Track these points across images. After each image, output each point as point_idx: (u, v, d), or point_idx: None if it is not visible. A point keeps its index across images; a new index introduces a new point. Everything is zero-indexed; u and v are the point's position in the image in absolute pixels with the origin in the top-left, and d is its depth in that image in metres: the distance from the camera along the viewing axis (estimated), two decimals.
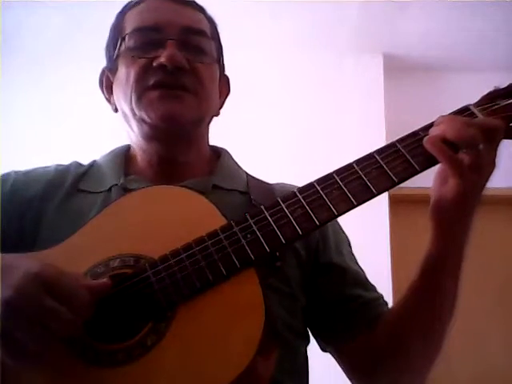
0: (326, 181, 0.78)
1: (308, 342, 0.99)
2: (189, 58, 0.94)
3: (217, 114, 1.05)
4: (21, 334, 0.66)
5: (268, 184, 1.03)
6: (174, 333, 0.72)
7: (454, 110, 0.82)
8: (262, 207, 0.79)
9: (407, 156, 0.78)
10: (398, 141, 0.80)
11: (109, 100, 1.03)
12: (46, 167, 1.01)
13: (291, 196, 0.79)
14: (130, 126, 0.98)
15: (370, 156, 0.79)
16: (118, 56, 0.98)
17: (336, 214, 0.76)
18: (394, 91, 2.98)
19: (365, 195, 0.77)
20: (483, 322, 2.77)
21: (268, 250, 0.76)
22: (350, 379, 0.98)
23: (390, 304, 0.99)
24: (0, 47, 2.88)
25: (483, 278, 2.73)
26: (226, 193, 0.97)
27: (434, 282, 0.85)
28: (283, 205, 0.78)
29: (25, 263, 0.71)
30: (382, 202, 2.60)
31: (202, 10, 1.03)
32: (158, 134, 0.95)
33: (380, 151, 0.79)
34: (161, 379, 0.70)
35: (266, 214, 0.78)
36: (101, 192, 0.95)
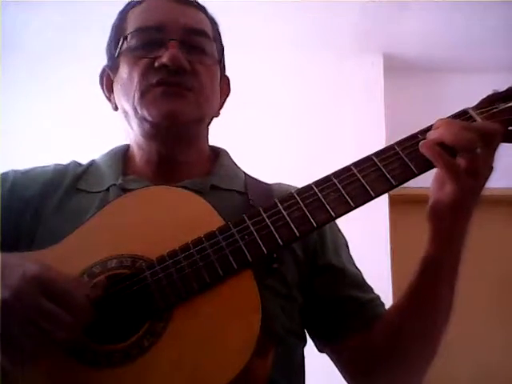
0: (324, 183, 0.79)
1: (305, 342, 0.99)
2: (190, 58, 0.94)
3: (217, 115, 1.06)
4: (18, 336, 0.67)
5: (266, 184, 1.03)
6: (171, 333, 0.72)
7: (453, 112, 0.83)
8: (260, 209, 0.79)
9: (405, 159, 0.78)
10: (396, 143, 0.80)
11: (109, 98, 1.04)
12: (44, 167, 1.02)
13: (289, 198, 0.79)
14: (130, 124, 0.99)
15: (368, 158, 0.79)
16: (119, 55, 0.98)
17: (334, 216, 0.77)
18: (394, 91, 2.98)
19: (363, 198, 0.77)
20: (482, 323, 2.77)
21: (265, 251, 0.76)
22: (346, 380, 0.98)
23: (390, 304, 0.99)
24: (0, 47, 2.88)
25: (482, 277, 2.73)
26: (224, 193, 0.98)
27: (430, 283, 0.86)
28: (281, 206, 0.78)
29: (23, 264, 0.71)
30: (382, 202, 2.60)
31: (203, 10, 1.04)
32: (158, 133, 0.95)
33: (378, 154, 0.79)
34: (158, 380, 0.70)
35: (264, 216, 0.78)
36: (99, 192, 0.95)
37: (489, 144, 0.77)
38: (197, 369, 0.70)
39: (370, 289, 1.00)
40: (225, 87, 1.09)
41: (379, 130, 2.84)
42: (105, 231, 0.83)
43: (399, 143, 0.80)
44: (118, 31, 1.00)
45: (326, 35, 2.94)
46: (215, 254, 0.75)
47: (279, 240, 0.76)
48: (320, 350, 1.01)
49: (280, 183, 1.04)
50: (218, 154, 1.07)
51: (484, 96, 0.84)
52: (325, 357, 1.01)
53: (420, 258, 0.86)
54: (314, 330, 0.99)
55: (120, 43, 0.98)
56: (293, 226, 0.76)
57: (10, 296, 0.66)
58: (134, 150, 1.02)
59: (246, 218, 0.78)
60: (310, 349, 1.00)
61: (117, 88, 1.00)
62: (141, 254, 0.78)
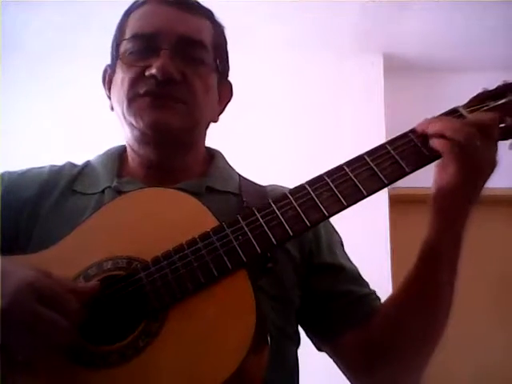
0: (317, 182, 0.79)
1: (298, 344, 0.99)
2: (183, 68, 0.94)
3: (215, 121, 1.05)
4: (14, 342, 0.68)
5: (260, 186, 1.04)
6: (166, 334, 0.72)
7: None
8: (254, 209, 0.80)
9: (397, 158, 0.79)
10: (387, 143, 0.81)
11: (109, 97, 1.04)
12: (40, 168, 1.02)
13: (282, 198, 0.79)
14: (123, 127, 0.99)
15: (360, 158, 0.80)
16: (116, 58, 0.99)
17: (327, 215, 0.77)
18: (394, 91, 2.97)
19: (355, 196, 0.78)
20: (482, 322, 2.76)
21: (259, 251, 0.76)
22: (346, 377, 0.98)
23: None
24: (0, 47, 2.89)
25: (482, 277, 2.73)
26: (219, 195, 0.98)
27: (430, 269, 0.86)
28: (274, 206, 0.79)
29: (18, 272, 0.71)
30: (381, 201, 2.60)
31: (207, 14, 1.02)
32: (148, 140, 0.96)
33: (370, 153, 0.80)
34: (153, 380, 0.71)
35: (258, 216, 0.78)
36: (94, 194, 0.96)
37: (488, 135, 0.79)
38: (192, 368, 0.70)
39: (366, 284, 1.00)
40: (226, 93, 1.07)
41: (379, 129, 2.83)
42: (100, 233, 0.84)
43: (390, 142, 0.81)
44: (119, 33, 1.01)
45: (325, 35, 2.94)
46: (209, 254, 0.76)
47: (273, 239, 0.77)
48: (319, 349, 1.01)
49: (275, 185, 1.04)
50: (212, 155, 1.07)
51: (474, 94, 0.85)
52: (324, 356, 1.01)
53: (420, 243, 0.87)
54: (312, 327, 0.99)
55: (116, 47, 0.99)
56: (286, 226, 0.77)
57: (7, 305, 0.67)
58: (129, 151, 1.02)
59: (239, 218, 0.79)
60: (311, 349, 1.01)
61: (113, 90, 1.01)
62: (136, 255, 0.79)
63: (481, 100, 0.83)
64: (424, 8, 2.75)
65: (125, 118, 0.96)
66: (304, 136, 2.88)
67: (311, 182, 0.80)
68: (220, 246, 0.77)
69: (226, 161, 1.09)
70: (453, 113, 0.82)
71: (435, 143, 0.79)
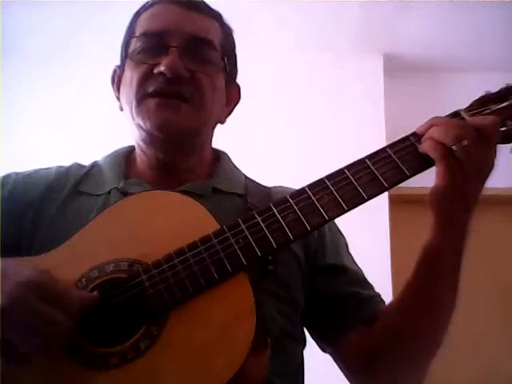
0: (318, 186, 0.80)
1: (304, 344, 0.99)
2: (190, 66, 0.94)
3: (222, 122, 1.05)
4: (15, 339, 0.68)
5: (266, 187, 1.04)
6: (167, 336, 0.73)
7: (446, 114, 0.83)
8: (254, 212, 0.80)
9: (397, 162, 0.79)
10: (388, 146, 0.81)
11: (118, 98, 1.05)
12: (47, 169, 1.03)
13: (283, 201, 0.80)
14: (131, 127, 1.00)
15: (361, 161, 0.80)
16: (126, 57, 1.00)
17: (327, 218, 0.78)
18: (394, 91, 2.98)
19: (356, 200, 0.78)
20: (484, 324, 2.75)
21: (260, 254, 0.77)
22: (348, 379, 0.99)
23: None
24: (0, 47, 2.89)
25: (484, 278, 2.73)
26: (225, 196, 0.99)
27: (431, 274, 0.85)
28: (275, 210, 0.79)
29: (18, 271, 0.72)
30: (382, 202, 2.60)
31: (216, 17, 1.03)
32: (155, 141, 0.96)
33: (371, 157, 0.80)
34: (154, 382, 0.71)
35: (259, 220, 0.79)
36: (101, 195, 0.96)
37: (488, 139, 0.78)
38: (193, 371, 0.71)
39: (370, 286, 1.01)
40: (234, 94, 1.08)
41: (379, 129, 2.84)
42: (103, 236, 0.84)
43: (391, 146, 0.81)
44: (128, 33, 1.01)
45: (326, 35, 2.94)
46: (210, 257, 0.76)
47: (273, 243, 0.77)
48: (322, 349, 1.01)
49: (280, 186, 1.04)
50: (218, 156, 1.08)
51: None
52: (328, 358, 1.01)
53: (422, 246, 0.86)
54: (316, 328, 0.99)
55: (126, 46, 1.00)
56: (287, 230, 0.77)
57: (8, 302, 0.68)
58: (137, 152, 1.03)
59: (240, 221, 0.79)
60: (311, 350, 1.01)
61: (122, 90, 1.01)
62: (138, 258, 0.79)
63: (483, 103, 0.83)
64: (424, 8, 2.75)
65: (133, 118, 0.96)
66: (304, 136, 2.89)
67: (312, 186, 0.80)
68: (221, 250, 0.77)
69: (232, 162, 1.09)
70: (454, 116, 0.82)
71: (424, 145, 0.79)
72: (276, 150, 2.83)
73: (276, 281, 0.86)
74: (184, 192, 0.91)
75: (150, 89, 0.93)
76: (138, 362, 0.71)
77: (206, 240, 0.78)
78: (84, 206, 0.94)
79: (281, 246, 0.78)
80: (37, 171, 1.02)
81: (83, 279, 0.79)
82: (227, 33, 1.04)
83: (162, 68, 0.92)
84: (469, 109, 0.83)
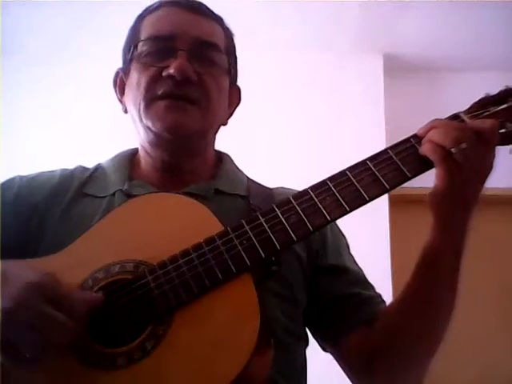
0: (320, 187, 0.81)
1: (307, 343, 1.00)
2: (198, 69, 0.96)
3: (225, 124, 1.07)
4: (21, 342, 0.68)
5: (268, 188, 1.05)
6: (173, 337, 0.74)
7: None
8: (258, 214, 0.81)
9: (399, 163, 0.80)
10: (389, 148, 0.82)
11: (120, 100, 1.06)
12: (51, 172, 1.03)
13: (286, 202, 0.81)
14: (137, 129, 1.01)
15: (362, 163, 0.81)
16: (131, 60, 1.00)
17: (329, 219, 0.79)
18: (394, 91, 2.98)
19: (357, 201, 0.79)
20: (484, 324, 2.75)
21: (263, 255, 0.78)
22: (349, 377, 1.00)
23: None
24: (0, 47, 2.89)
25: (484, 278, 2.72)
26: (227, 197, 1.00)
27: (431, 271, 0.86)
28: (278, 211, 0.80)
29: (23, 273, 0.73)
30: (382, 202, 2.61)
31: (219, 20, 1.04)
32: (162, 143, 0.97)
33: (372, 158, 0.81)
34: (160, 381, 0.72)
35: (262, 221, 0.80)
36: (105, 196, 0.97)
37: (486, 141, 0.79)
38: (197, 371, 0.72)
39: (371, 286, 1.01)
40: (235, 97, 1.09)
41: (379, 129, 2.84)
42: (108, 237, 0.85)
43: (392, 147, 0.82)
44: (133, 36, 1.02)
45: (325, 35, 2.94)
46: (215, 258, 0.77)
47: (277, 244, 0.78)
48: (323, 349, 1.02)
49: (282, 188, 1.05)
50: (221, 158, 1.09)
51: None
52: (329, 357, 1.02)
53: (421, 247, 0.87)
54: (317, 328, 1.00)
55: (132, 49, 1.00)
56: (290, 231, 0.78)
57: (14, 305, 0.68)
58: (142, 154, 1.03)
59: (244, 223, 0.80)
60: (312, 348, 1.01)
61: (127, 93, 1.02)
62: (143, 259, 0.80)
63: (482, 105, 0.84)
64: (424, 8, 2.75)
65: (141, 120, 0.97)
66: (304, 136, 2.89)
67: (314, 187, 0.81)
68: (225, 251, 0.78)
69: (234, 163, 1.10)
70: (454, 118, 0.83)
71: (424, 148, 0.80)
72: (276, 150, 2.84)
73: (279, 280, 0.87)
74: (188, 194, 0.92)
75: (160, 91, 0.94)
76: (145, 362, 0.72)
77: (210, 241, 0.79)
78: (88, 209, 0.95)
79: (284, 247, 0.78)
80: (41, 174, 1.02)
81: (89, 280, 0.79)
82: (229, 37, 1.06)
83: (171, 70, 0.93)
84: (469, 111, 0.84)
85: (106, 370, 0.73)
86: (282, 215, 0.79)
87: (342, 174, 0.81)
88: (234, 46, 1.07)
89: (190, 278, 0.76)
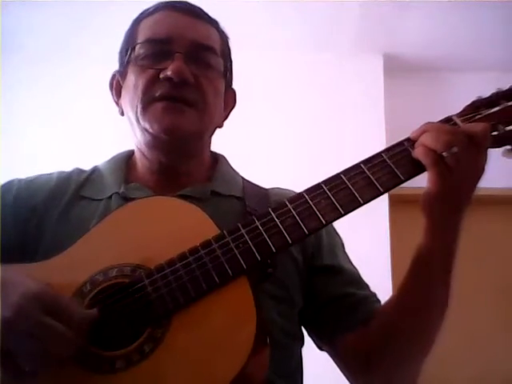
0: (315, 191, 0.81)
1: (303, 343, 1.01)
2: (195, 71, 0.97)
3: (220, 126, 1.08)
4: (20, 352, 0.69)
5: (263, 189, 1.06)
6: (171, 339, 0.75)
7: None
8: (254, 217, 0.82)
9: (392, 166, 0.81)
10: (383, 151, 0.83)
11: (117, 103, 1.06)
12: (48, 174, 1.04)
13: (282, 206, 0.81)
14: (134, 131, 1.01)
15: (356, 166, 0.82)
16: (128, 63, 1.01)
17: (324, 223, 0.80)
18: (394, 91, 2.98)
19: (352, 205, 0.80)
20: (483, 324, 2.75)
21: (259, 258, 0.79)
22: (345, 376, 1.00)
23: None
24: (0, 46, 2.90)
25: (483, 278, 2.73)
26: (223, 199, 1.00)
27: (423, 271, 0.87)
28: (274, 215, 0.81)
29: (23, 282, 0.73)
30: (382, 202, 2.61)
31: (214, 24, 1.05)
32: (160, 144, 0.98)
33: (366, 161, 0.82)
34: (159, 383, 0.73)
35: (258, 224, 0.80)
36: (102, 199, 0.98)
37: (478, 145, 0.80)
38: (195, 373, 0.73)
39: (366, 286, 1.02)
40: (230, 100, 1.10)
41: (379, 129, 2.84)
42: (106, 241, 0.86)
43: (386, 151, 0.83)
44: (130, 39, 1.03)
45: (326, 36, 2.94)
46: (211, 262, 0.78)
47: (273, 247, 0.79)
48: (319, 348, 1.03)
49: (278, 188, 1.06)
50: (216, 159, 1.10)
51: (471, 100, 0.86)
52: (326, 356, 1.02)
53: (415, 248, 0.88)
54: (313, 327, 1.01)
55: (129, 52, 1.01)
56: (285, 234, 0.79)
57: (12, 314, 0.69)
58: (138, 156, 1.04)
59: (240, 226, 0.81)
60: (308, 348, 1.02)
61: (124, 95, 1.03)
62: (141, 263, 0.81)
63: (475, 108, 0.84)
64: (423, 8, 2.75)
65: (138, 122, 0.98)
66: (304, 137, 2.89)
67: (309, 191, 0.82)
68: (221, 254, 0.79)
69: (230, 165, 1.11)
70: (447, 121, 0.84)
71: (416, 152, 0.81)
72: (276, 150, 2.84)
73: (275, 282, 0.88)
74: (184, 196, 0.94)
75: (157, 93, 0.95)
76: (143, 365, 0.73)
77: (206, 245, 0.80)
78: (85, 212, 0.96)
79: (280, 250, 0.79)
80: (39, 177, 1.03)
81: (88, 283, 0.80)
82: (225, 40, 1.07)
83: (168, 73, 0.94)
84: (461, 114, 0.85)
85: (107, 374, 0.74)
86: (278, 218, 0.80)
87: (337, 177, 0.82)
88: (230, 49, 1.08)
89: (187, 281, 0.77)
